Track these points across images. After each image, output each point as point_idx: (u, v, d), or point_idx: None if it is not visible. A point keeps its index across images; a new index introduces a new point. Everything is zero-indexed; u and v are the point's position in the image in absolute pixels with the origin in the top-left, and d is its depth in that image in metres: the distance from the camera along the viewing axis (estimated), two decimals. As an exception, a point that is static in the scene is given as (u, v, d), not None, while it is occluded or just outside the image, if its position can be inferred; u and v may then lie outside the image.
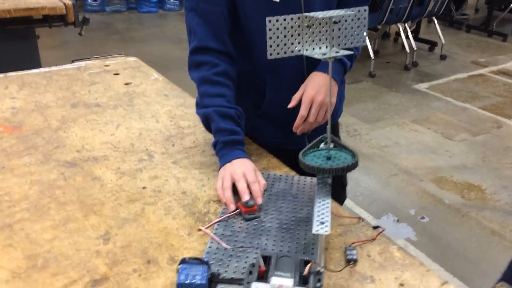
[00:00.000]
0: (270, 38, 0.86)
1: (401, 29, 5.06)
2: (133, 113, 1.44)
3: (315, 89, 1.11)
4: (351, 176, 2.91)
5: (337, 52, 0.89)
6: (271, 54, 0.87)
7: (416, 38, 5.37)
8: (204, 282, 0.75)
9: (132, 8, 6.94)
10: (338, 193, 1.14)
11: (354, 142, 3.35)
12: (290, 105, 1.13)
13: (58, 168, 1.14)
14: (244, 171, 1.02)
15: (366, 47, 4.65)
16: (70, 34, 5.34)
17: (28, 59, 2.77)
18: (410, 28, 5.19)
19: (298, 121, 1.14)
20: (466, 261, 2.23)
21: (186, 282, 0.75)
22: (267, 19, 0.84)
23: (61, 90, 1.59)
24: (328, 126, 0.95)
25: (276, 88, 1.21)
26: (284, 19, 0.85)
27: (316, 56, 0.88)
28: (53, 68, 1.78)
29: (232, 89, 1.14)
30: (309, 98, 1.11)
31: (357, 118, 3.71)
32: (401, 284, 0.82)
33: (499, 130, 3.61)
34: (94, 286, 0.80)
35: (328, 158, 0.94)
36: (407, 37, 5.02)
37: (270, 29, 0.85)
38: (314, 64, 1.16)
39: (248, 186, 1.00)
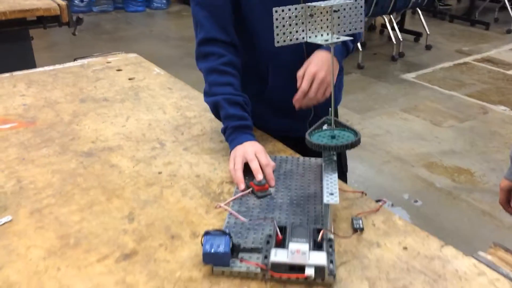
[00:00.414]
0: (277, 27, 0.93)
1: (386, 21, 5.16)
2: (140, 105, 1.51)
3: (318, 66, 1.15)
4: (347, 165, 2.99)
5: (338, 38, 0.97)
6: (278, 42, 0.94)
7: (401, 30, 5.48)
8: (227, 250, 0.82)
9: (119, 8, 6.96)
10: (339, 179, 1.21)
11: (346, 131, 3.44)
12: (298, 84, 1.17)
13: (76, 158, 1.20)
14: (256, 151, 1.09)
15: (353, 39, 4.74)
16: (60, 36, 5.37)
17: (23, 61, 2.80)
18: (395, 19, 5.30)
19: (298, 95, 1.17)
20: (459, 240, 2.33)
21: (211, 251, 0.82)
22: (274, 9, 0.92)
23: (68, 87, 1.64)
24: (331, 108, 1.03)
25: (278, 75, 1.29)
26: (289, 9, 0.93)
27: (319, 42, 0.95)
28: (57, 66, 1.84)
29: (238, 78, 1.22)
30: (311, 74, 1.15)
31: (348, 109, 3.80)
32: (405, 248, 0.90)
33: (485, 115, 3.73)
34: (125, 259, 0.87)
35: (333, 137, 1.01)
36: (393, 28, 5.13)
37: (276, 19, 0.93)
38: (313, 50, 1.23)
39: (261, 167, 1.07)
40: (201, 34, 1.21)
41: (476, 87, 4.29)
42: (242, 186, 1.06)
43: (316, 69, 1.15)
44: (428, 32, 5.35)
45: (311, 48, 1.22)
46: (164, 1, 7.10)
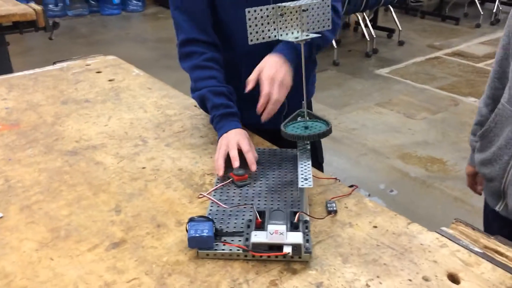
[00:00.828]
0: (250, 26, 1.00)
1: (360, 18, 5.28)
2: (121, 105, 1.55)
3: (275, 68, 1.16)
4: (325, 158, 3.08)
5: (307, 35, 1.04)
6: (251, 40, 1.01)
7: (374, 27, 5.61)
8: (211, 234, 0.89)
9: (94, 11, 6.93)
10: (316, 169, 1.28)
11: (323, 127, 3.53)
12: (247, 89, 1.16)
13: (61, 157, 1.25)
14: (238, 140, 1.15)
15: (328, 37, 4.85)
16: (36, 40, 5.34)
17: (1, 67, 2.80)
18: (368, 17, 5.42)
19: (262, 100, 1.15)
20: (433, 226, 2.43)
21: (196, 235, 0.88)
22: (247, 10, 0.98)
23: (48, 90, 1.68)
24: (304, 101, 1.10)
25: (250, 71, 1.35)
26: (261, 10, 1.00)
27: (290, 39, 1.02)
28: (37, 70, 1.87)
29: (221, 71, 1.28)
30: (270, 76, 1.14)
31: (325, 105, 3.89)
32: (375, 226, 0.98)
33: (456, 107, 3.87)
34: (115, 247, 0.92)
35: (306, 128, 1.09)
36: (366, 26, 5.25)
37: (249, 19, 0.99)
38: None
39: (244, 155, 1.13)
40: (181, 36, 1.28)
41: (447, 80, 4.44)
42: (221, 173, 1.12)
43: (274, 71, 1.15)
44: (401, 29, 5.48)
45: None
46: (140, 4, 7.10)
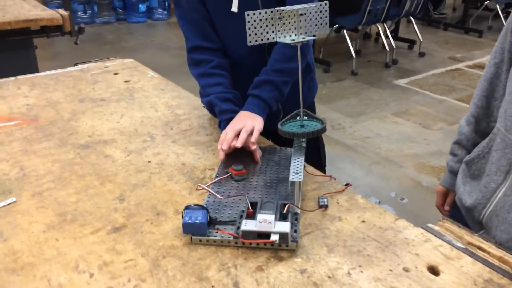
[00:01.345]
0: (249, 28, 1.06)
1: (380, 29, 5.31)
2: (134, 105, 1.63)
3: (241, 122, 1.23)
4: (338, 166, 3.11)
5: (303, 38, 1.09)
6: (250, 41, 1.07)
7: (395, 37, 5.63)
8: (204, 221, 0.94)
9: (121, 19, 7.14)
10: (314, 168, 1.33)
11: (338, 135, 3.56)
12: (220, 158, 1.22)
13: (74, 150, 1.32)
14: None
15: (348, 47, 4.89)
16: (64, 46, 5.54)
17: (28, 69, 2.93)
18: (389, 28, 5.44)
19: (225, 144, 1.19)
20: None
21: (190, 221, 0.94)
22: (246, 13, 1.04)
23: (68, 89, 1.77)
24: (301, 102, 1.15)
25: (242, 77, 1.40)
26: (260, 13, 1.05)
27: (287, 42, 1.08)
28: (59, 70, 1.97)
29: (228, 77, 1.36)
30: (237, 129, 1.21)
31: (341, 113, 3.92)
32: (363, 221, 1.02)
33: (474, 119, 3.84)
34: (115, 232, 0.99)
35: (302, 126, 1.13)
36: (386, 36, 5.27)
37: (248, 21, 1.05)
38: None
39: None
40: (188, 43, 1.38)
41: (467, 92, 4.41)
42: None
43: (241, 125, 1.21)
44: (422, 40, 5.48)
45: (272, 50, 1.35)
46: (165, 12, 7.28)
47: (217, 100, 1.32)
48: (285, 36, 1.09)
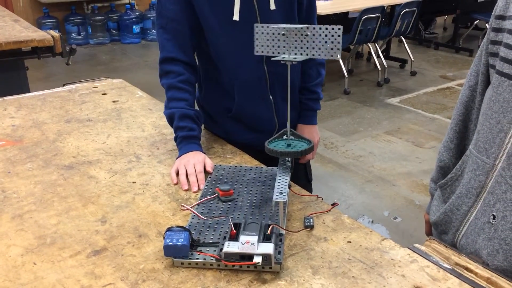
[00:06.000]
0: (257, 39, 1.06)
1: (372, 49, 5.35)
2: (121, 125, 1.62)
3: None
4: (330, 185, 3.09)
5: (295, 58, 1.07)
6: (257, 52, 1.07)
7: (387, 57, 5.68)
8: (186, 243, 0.92)
9: (115, 40, 7.17)
10: (304, 187, 1.31)
11: (331, 154, 3.56)
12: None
13: (57, 171, 1.30)
14: (194, 163, 1.25)
15: (340, 66, 4.92)
16: (56, 67, 5.55)
17: (19, 90, 2.91)
18: (380, 47, 5.49)
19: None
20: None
21: (171, 244, 0.92)
22: (255, 25, 1.05)
23: (55, 109, 1.76)
24: (288, 122, 1.14)
25: (243, 93, 1.41)
26: (267, 27, 1.05)
27: (287, 59, 1.06)
28: (46, 91, 1.96)
29: (193, 94, 1.39)
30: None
31: (334, 132, 3.92)
32: (349, 241, 1.00)
33: (466, 137, 3.85)
34: (95, 255, 0.96)
35: (288, 145, 1.12)
36: (378, 56, 5.31)
37: (257, 32, 1.06)
38: (273, 72, 1.37)
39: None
40: (162, 53, 1.38)
41: (458, 110, 4.42)
42: (186, 186, 1.21)
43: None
44: (413, 59, 5.53)
45: (272, 67, 1.35)
46: (159, 33, 7.32)
47: (177, 115, 1.34)
48: (290, 54, 1.08)
